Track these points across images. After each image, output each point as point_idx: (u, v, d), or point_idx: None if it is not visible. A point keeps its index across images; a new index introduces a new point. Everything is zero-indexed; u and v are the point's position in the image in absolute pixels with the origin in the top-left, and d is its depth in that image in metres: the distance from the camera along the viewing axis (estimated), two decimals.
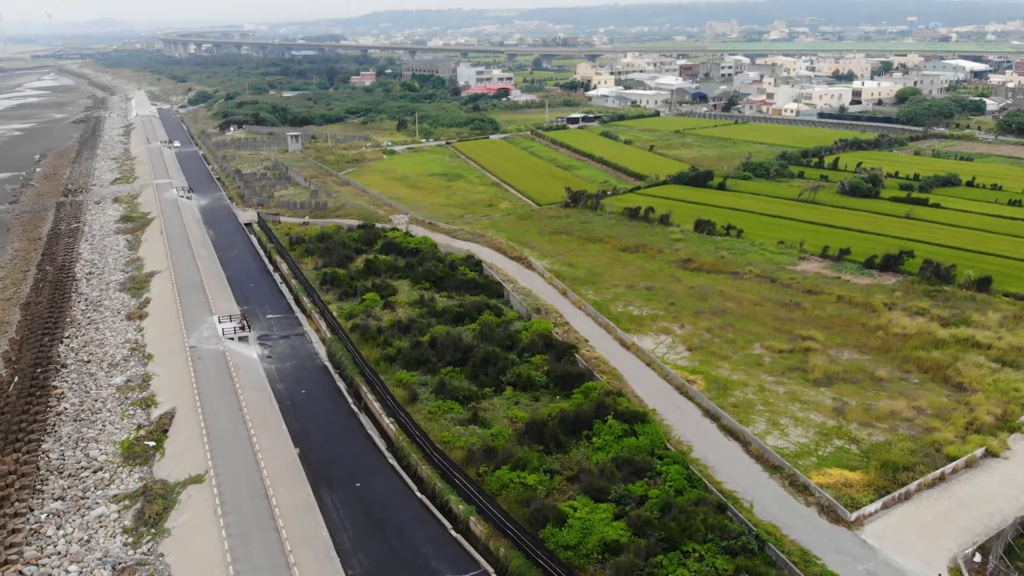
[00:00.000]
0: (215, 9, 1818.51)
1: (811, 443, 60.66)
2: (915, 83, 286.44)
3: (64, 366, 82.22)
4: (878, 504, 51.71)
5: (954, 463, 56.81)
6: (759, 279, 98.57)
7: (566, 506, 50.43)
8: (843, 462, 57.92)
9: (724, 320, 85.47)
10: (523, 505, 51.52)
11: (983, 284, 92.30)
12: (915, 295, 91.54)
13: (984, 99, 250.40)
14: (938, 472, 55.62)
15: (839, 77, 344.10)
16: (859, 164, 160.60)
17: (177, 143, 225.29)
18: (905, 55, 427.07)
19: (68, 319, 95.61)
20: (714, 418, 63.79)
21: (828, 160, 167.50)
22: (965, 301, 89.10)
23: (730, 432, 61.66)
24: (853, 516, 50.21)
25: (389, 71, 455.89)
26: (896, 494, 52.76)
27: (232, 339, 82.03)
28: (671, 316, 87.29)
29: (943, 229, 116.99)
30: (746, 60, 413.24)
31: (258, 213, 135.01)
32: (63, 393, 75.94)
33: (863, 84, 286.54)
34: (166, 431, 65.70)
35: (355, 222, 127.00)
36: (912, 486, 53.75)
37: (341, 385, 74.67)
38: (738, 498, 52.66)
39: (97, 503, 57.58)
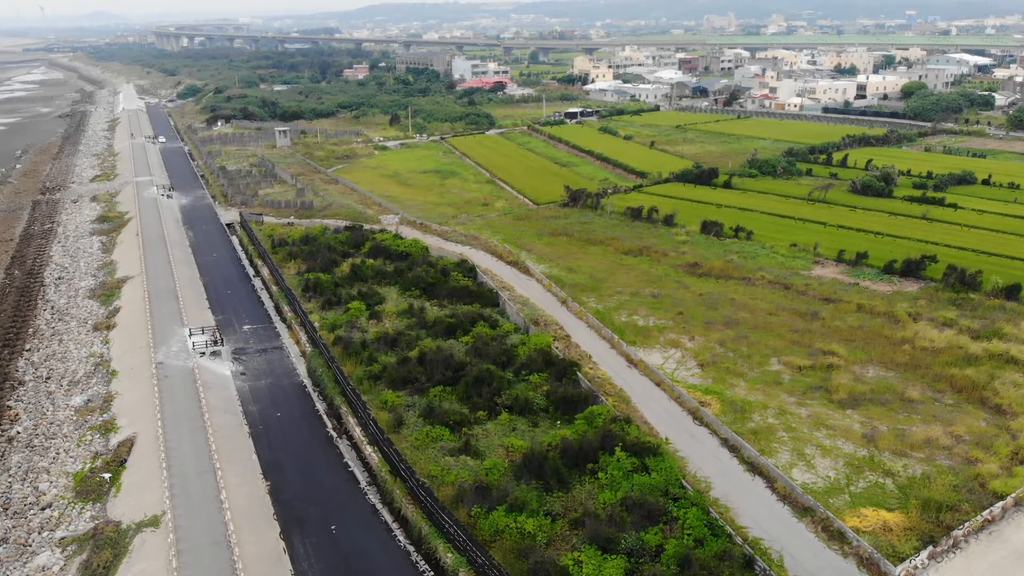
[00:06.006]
0: (211, 2, 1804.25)
1: (841, 477, 54.38)
2: (920, 77, 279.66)
3: (22, 383, 75.69)
4: (924, 555, 45.39)
5: (1003, 502, 50.57)
6: (772, 285, 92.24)
7: (570, 559, 44.06)
8: (879, 500, 51.66)
9: (737, 332, 79.11)
10: (521, 557, 45.13)
11: (1012, 292, 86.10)
12: (940, 304, 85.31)
13: (992, 93, 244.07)
14: (987, 513, 49.37)
15: (841, 71, 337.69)
16: (869, 161, 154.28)
17: (162, 138, 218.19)
18: (907, 49, 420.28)
19: (31, 330, 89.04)
20: (733, 449, 57.39)
21: (837, 157, 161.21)
22: (994, 311, 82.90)
23: (752, 465, 55.26)
24: (899, 571, 43.87)
25: (383, 64, 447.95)
26: (944, 543, 46.42)
27: (203, 354, 75.49)
28: (680, 327, 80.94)
29: (963, 231, 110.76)
30: (746, 53, 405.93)
31: (240, 213, 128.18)
32: (18, 415, 69.47)
33: (867, 78, 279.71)
34: (124, 462, 59.22)
35: (342, 223, 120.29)
36: (960, 532, 47.48)
37: (320, 406, 68.15)
38: (765, 548, 46.31)
39: (42, 548, 51.16)
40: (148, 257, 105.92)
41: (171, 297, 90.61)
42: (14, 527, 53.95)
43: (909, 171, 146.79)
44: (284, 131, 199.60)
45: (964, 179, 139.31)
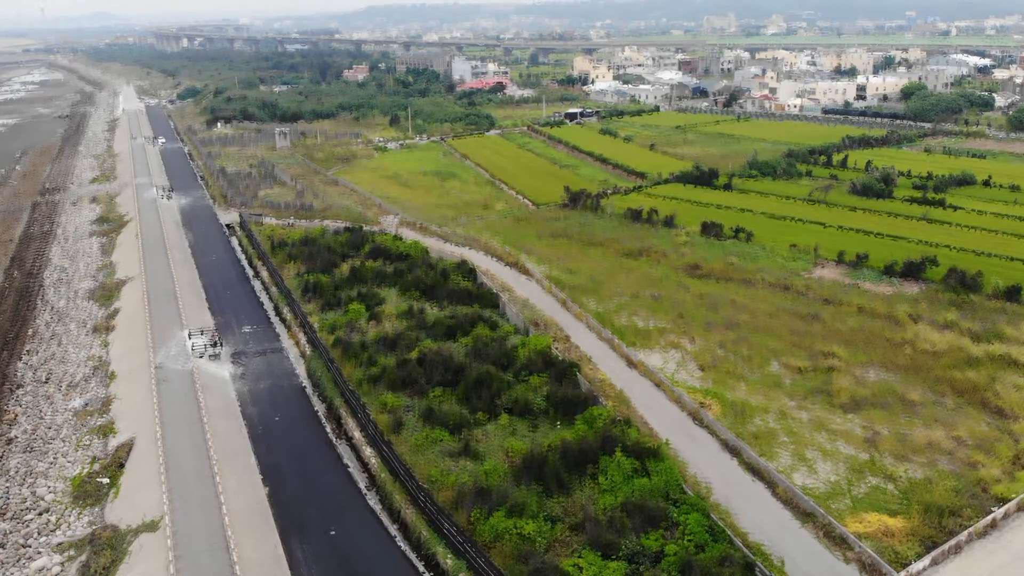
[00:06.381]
0: (211, 3, 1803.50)
1: (843, 481, 54.20)
2: (920, 78, 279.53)
3: (20, 386, 75.54)
4: (926, 560, 45.19)
5: (1005, 507, 50.35)
6: (772, 287, 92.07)
7: (570, 565, 43.86)
8: (880, 504, 51.49)
9: (737, 334, 78.91)
10: (521, 561, 44.91)
11: (1012, 293, 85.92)
12: (940, 306, 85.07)
13: (992, 94, 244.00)
14: (989, 518, 49.15)
15: (841, 72, 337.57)
16: (869, 162, 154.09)
17: (162, 139, 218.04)
18: (907, 49, 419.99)
19: (30, 332, 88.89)
20: (734, 452, 57.20)
21: (837, 158, 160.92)
22: (995, 313, 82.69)
23: (753, 469, 55.06)
24: None
25: (383, 65, 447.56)
26: (945, 547, 46.26)
27: (202, 356, 75.30)
28: (680, 329, 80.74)
29: (963, 232, 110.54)
30: (746, 55, 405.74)
31: (240, 214, 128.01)
32: (15, 418, 69.27)
33: (867, 79, 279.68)
34: (122, 465, 59.03)
35: (342, 224, 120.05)
36: (962, 536, 47.27)
37: (320, 409, 67.95)
38: (767, 553, 46.10)
39: (39, 552, 50.99)
40: (147, 259, 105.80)
41: (170, 299, 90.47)
42: (11, 531, 53.78)
43: (909, 172, 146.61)
44: (284, 132, 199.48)
45: (964, 180, 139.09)
